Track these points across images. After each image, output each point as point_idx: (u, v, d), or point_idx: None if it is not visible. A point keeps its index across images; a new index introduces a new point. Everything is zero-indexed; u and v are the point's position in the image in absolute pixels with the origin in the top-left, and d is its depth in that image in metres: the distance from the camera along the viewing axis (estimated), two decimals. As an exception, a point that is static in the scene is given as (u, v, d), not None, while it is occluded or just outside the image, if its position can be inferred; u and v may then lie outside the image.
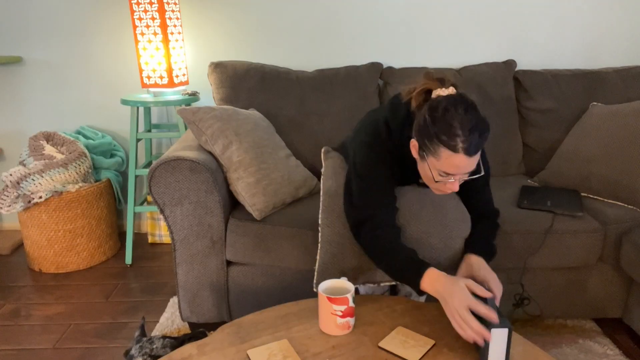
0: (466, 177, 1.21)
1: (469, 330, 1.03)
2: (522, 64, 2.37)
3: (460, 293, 1.06)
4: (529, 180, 2.03)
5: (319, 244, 1.40)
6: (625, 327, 1.80)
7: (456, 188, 1.20)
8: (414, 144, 1.22)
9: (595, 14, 2.30)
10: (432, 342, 1.09)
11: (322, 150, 1.55)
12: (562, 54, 2.36)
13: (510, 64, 2.18)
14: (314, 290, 1.34)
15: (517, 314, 1.73)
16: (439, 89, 1.18)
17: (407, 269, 1.17)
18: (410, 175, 1.37)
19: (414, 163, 1.30)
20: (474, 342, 1.04)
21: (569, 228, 1.62)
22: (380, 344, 1.08)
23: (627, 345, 1.71)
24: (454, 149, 1.10)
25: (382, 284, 1.36)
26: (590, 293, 1.71)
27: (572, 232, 1.62)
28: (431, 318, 1.18)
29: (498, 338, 0.99)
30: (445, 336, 1.11)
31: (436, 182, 1.21)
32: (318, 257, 1.39)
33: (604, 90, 2.09)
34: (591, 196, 1.82)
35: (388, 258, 1.22)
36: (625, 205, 1.73)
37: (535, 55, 2.36)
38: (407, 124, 1.28)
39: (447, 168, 1.14)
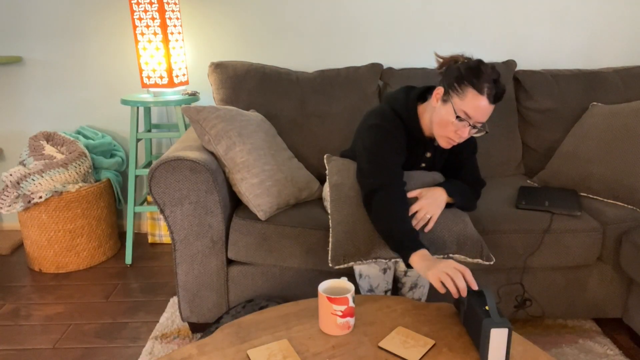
0: (474, 132, 1.38)
1: (461, 282, 1.10)
2: (522, 64, 2.37)
3: (448, 261, 1.16)
4: (528, 181, 2.03)
5: (330, 228, 1.46)
6: (625, 327, 1.80)
7: (465, 135, 1.36)
8: (437, 92, 1.39)
9: (595, 14, 2.30)
10: (432, 342, 1.09)
11: (325, 156, 1.68)
12: (562, 54, 2.36)
13: (510, 64, 2.18)
14: (329, 265, 1.41)
15: (519, 315, 1.73)
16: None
17: (407, 240, 1.27)
18: (415, 150, 1.52)
19: (419, 134, 1.48)
20: (456, 299, 1.16)
21: (568, 227, 1.62)
22: (380, 344, 1.08)
23: (627, 345, 1.71)
24: (480, 91, 1.30)
25: (392, 260, 1.38)
26: (590, 293, 1.71)
27: (570, 231, 1.62)
28: (431, 318, 1.18)
29: (498, 338, 0.99)
30: (446, 336, 1.11)
31: (453, 122, 1.35)
32: (331, 238, 1.44)
33: (604, 90, 2.09)
34: (591, 196, 1.82)
35: (394, 224, 1.30)
36: (625, 205, 1.74)
37: (535, 55, 2.36)
38: (409, 100, 1.47)
39: (468, 108, 1.32)
